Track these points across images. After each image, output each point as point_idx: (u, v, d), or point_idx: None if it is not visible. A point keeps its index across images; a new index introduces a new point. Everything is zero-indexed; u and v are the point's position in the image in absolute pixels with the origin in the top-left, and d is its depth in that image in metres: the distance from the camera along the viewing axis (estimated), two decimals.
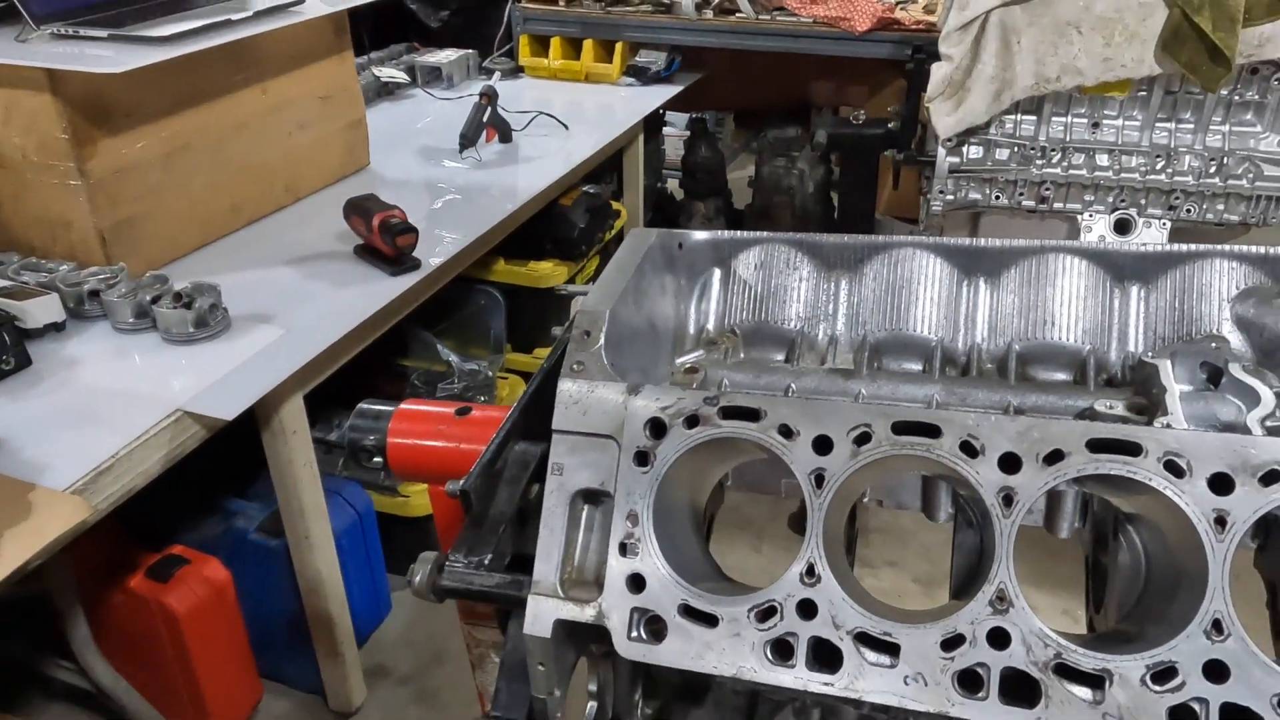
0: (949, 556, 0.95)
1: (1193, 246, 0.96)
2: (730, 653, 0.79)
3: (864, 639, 0.77)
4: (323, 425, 2.37)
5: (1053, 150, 2.56)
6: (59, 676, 2.18)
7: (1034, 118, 2.57)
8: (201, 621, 2.09)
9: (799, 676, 0.77)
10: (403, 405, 1.19)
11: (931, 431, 0.78)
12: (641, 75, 3.54)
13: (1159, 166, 2.52)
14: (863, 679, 0.76)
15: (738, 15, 3.41)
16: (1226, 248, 0.95)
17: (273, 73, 2.33)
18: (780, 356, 1.08)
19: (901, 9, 3.31)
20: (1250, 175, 2.48)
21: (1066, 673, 0.72)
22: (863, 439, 0.79)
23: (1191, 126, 2.51)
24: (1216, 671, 0.69)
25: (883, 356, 1.05)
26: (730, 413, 0.83)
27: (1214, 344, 0.92)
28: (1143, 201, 2.58)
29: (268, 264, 2.19)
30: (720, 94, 4.27)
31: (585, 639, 0.88)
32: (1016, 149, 2.58)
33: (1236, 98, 2.45)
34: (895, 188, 2.92)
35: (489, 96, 2.85)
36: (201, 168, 2.20)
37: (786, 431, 0.81)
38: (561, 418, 0.88)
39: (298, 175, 2.50)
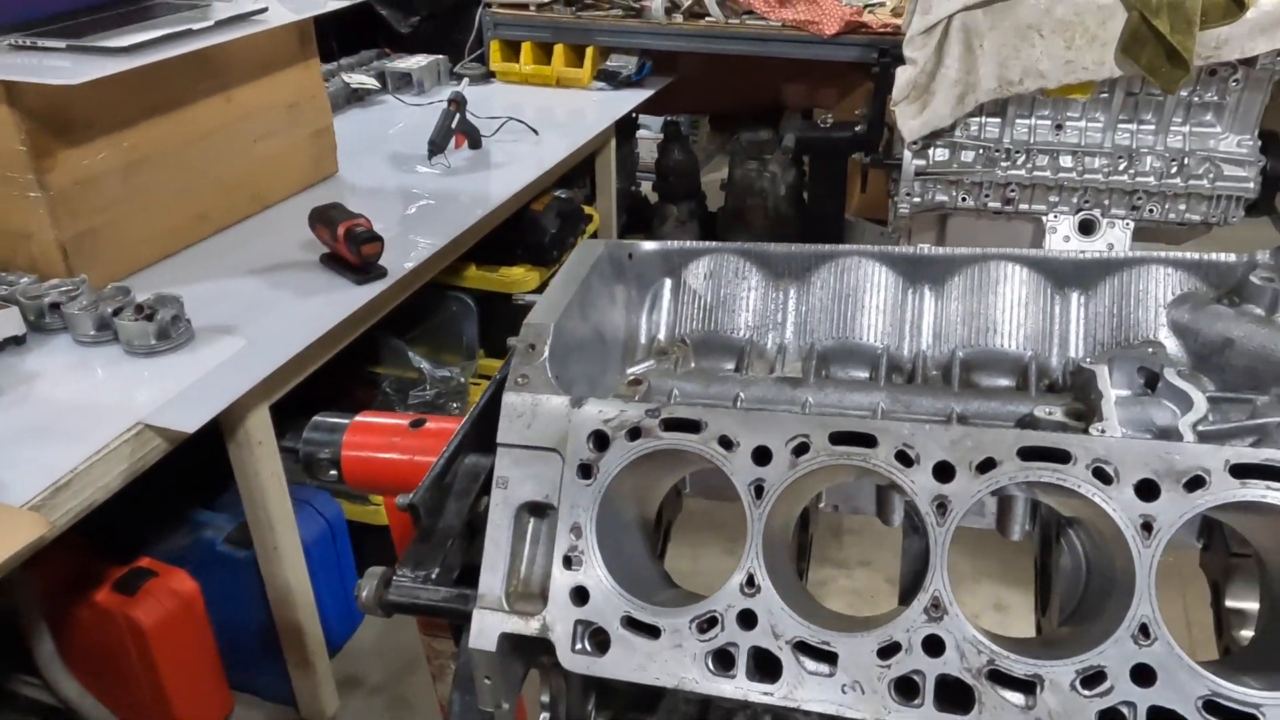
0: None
1: (1130, 253, 0.98)
2: (672, 663, 0.80)
3: (803, 648, 0.78)
4: (292, 435, 2.34)
5: (1017, 152, 2.59)
6: (25, 693, 2.17)
7: (998, 120, 2.60)
8: (169, 634, 2.08)
9: (739, 686, 0.78)
10: (357, 418, 1.19)
11: (868, 441, 0.79)
12: (613, 79, 3.55)
13: (1121, 167, 2.55)
14: (802, 688, 0.77)
15: (707, 19, 3.43)
16: (1163, 254, 0.97)
17: (237, 82, 2.32)
18: (730, 365, 1.09)
19: (869, 12, 3.33)
20: (1211, 175, 2.51)
21: (999, 678, 0.73)
22: (801, 449, 0.80)
23: (1153, 128, 2.54)
24: (1144, 675, 0.70)
25: (830, 365, 1.06)
26: (672, 424, 0.84)
27: (1150, 349, 0.93)
28: (1106, 202, 2.61)
29: (233, 274, 2.18)
30: (693, 97, 4.29)
31: (533, 651, 0.89)
32: (981, 151, 2.61)
33: (1196, 99, 2.48)
34: (863, 190, 2.95)
35: (458, 103, 2.85)
36: (165, 178, 2.18)
37: (726, 443, 0.82)
38: (506, 431, 0.88)
39: (264, 184, 2.49)
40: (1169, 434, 0.88)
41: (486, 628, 0.85)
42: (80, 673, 2.14)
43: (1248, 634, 0.94)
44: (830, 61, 3.37)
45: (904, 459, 0.78)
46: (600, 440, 0.85)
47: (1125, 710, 0.70)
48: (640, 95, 3.54)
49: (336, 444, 1.16)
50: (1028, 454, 0.75)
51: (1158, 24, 2.29)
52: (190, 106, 2.21)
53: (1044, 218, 2.65)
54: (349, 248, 2.08)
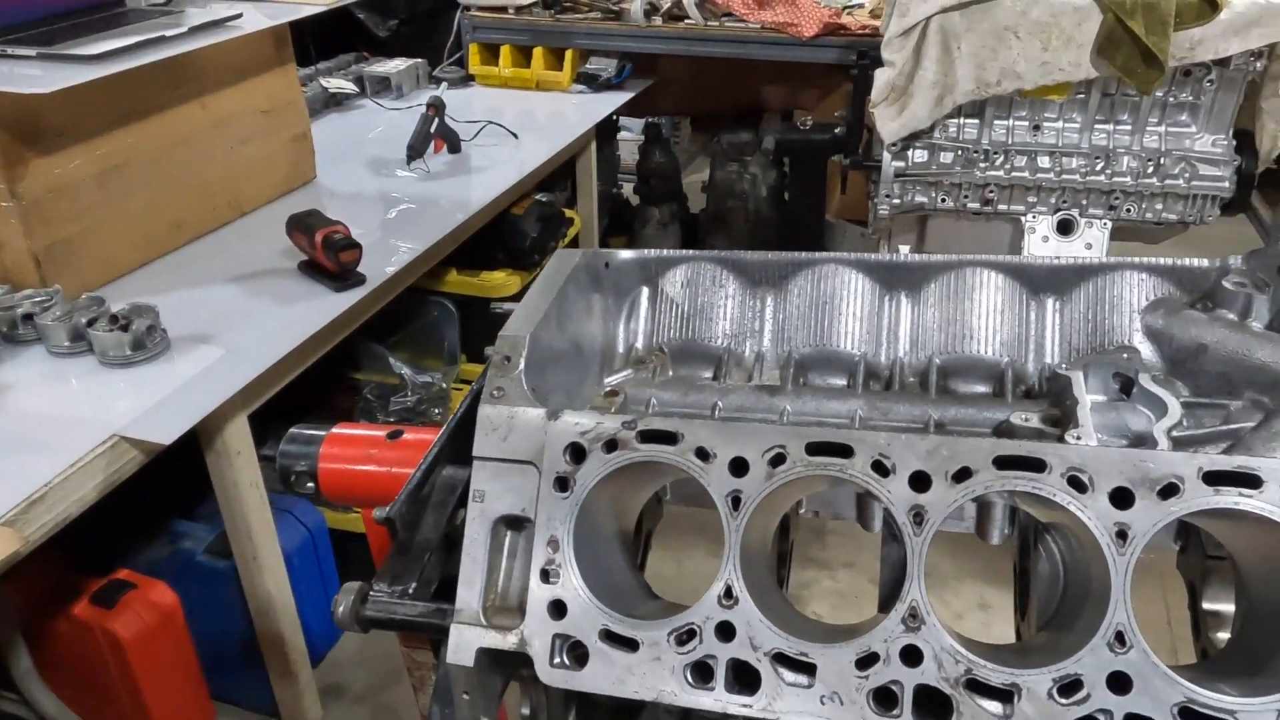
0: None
1: (1104, 259, 0.98)
2: (650, 676, 0.80)
3: (781, 659, 0.77)
4: (271, 443, 2.34)
5: (995, 153, 2.60)
6: (2, 708, 2.14)
7: (976, 121, 2.61)
8: (149, 647, 2.06)
9: (718, 699, 0.78)
10: (334, 429, 1.18)
11: (844, 451, 0.79)
12: (592, 82, 3.54)
13: (1098, 167, 2.56)
14: (780, 699, 0.77)
15: (686, 22, 3.43)
16: (1137, 260, 0.97)
17: (212, 88, 2.30)
18: (708, 374, 1.08)
19: (848, 14, 3.34)
20: (1186, 175, 2.53)
21: (977, 687, 0.73)
22: (778, 460, 0.80)
23: (1129, 128, 2.55)
24: (1120, 683, 0.70)
25: (808, 372, 1.06)
26: (648, 436, 0.84)
27: (1125, 355, 0.94)
28: (1084, 202, 2.62)
29: (210, 282, 2.16)
30: (674, 99, 4.28)
31: (512, 665, 0.88)
32: (960, 152, 2.62)
33: (1171, 99, 2.50)
34: (843, 192, 2.95)
35: (436, 107, 2.83)
36: (140, 186, 2.16)
37: (703, 454, 0.82)
38: (482, 444, 0.88)
39: (241, 191, 2.47)
40: (1144, 439, 0.88)
41: (464, 643, 0.84)
42: (59, 687, 2.12)
43: (1224, 636, 0.94)
44: (810, 63, 3.37)
45: (880, 469, 0.78)
46: (577, 453, 0.85)
47: (1101, 718, 0.71)
48: (620, 98, 3.54)
49: (313, 456, 1.15)
50: (1003, 463, 0.76)
51: (1133, 25, 2.31)
52: (165, 113, 2.19)
53: (1023, 218, 2.67)
54: (327, 255, 2.06)
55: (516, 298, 1.47)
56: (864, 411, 0.98)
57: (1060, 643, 0.78)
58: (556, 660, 0.82)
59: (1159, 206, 2.59)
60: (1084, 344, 0.98)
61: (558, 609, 0.83)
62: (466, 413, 0.99)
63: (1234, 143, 2.51)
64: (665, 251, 1.10)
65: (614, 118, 3.88)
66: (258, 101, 2.46)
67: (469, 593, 0.86)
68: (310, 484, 1.17)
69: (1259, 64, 2.39)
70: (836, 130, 2.85)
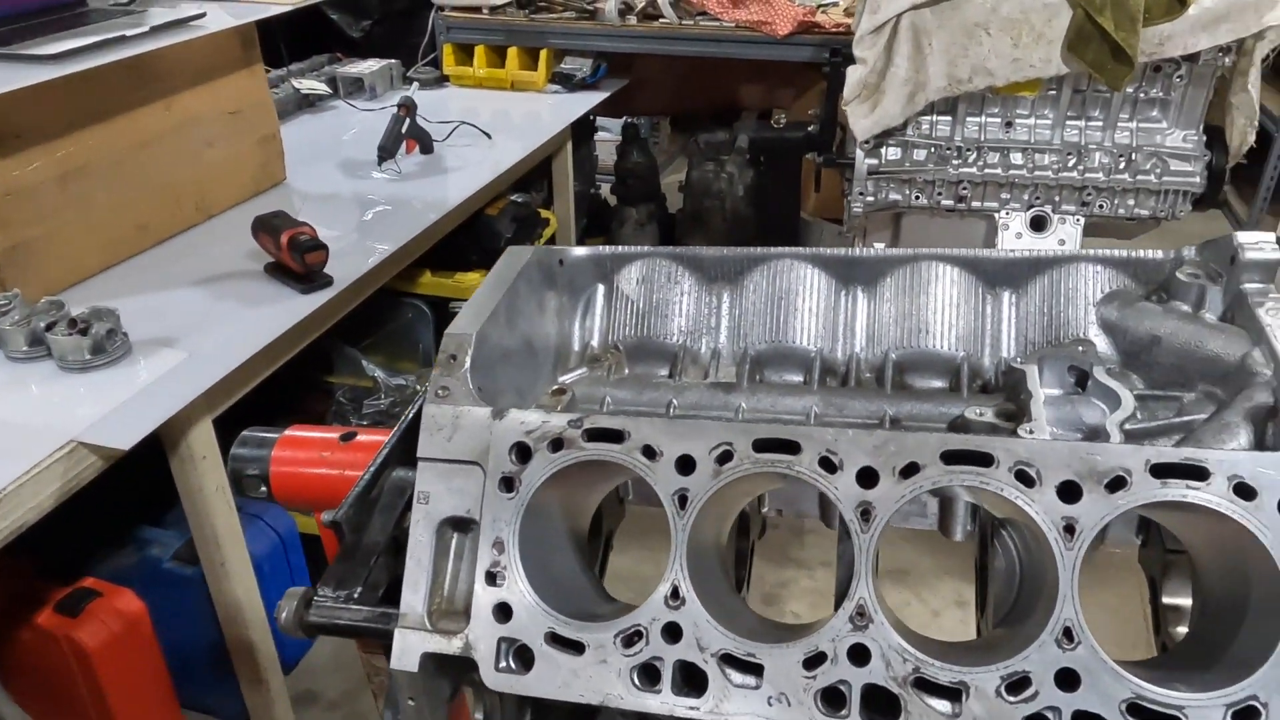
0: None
1: (1059, 252, 0.97)
2: (597, 679, 0.78)
3: (729, 660, 0.76)
4: None
5: (968, 150, 2.60)
6: None
7: (949, 118, 2.61)
8: (115, 655, 2.03)
9: (665, 701, 0.76)
10: (287, 431, 1.16)
11: (791, 448, 0.78)
12: (567, 82, 3.52)
13: (1071, 164, 2.57)
14: (728, 701, 0.75)
15: (661, 21, 3.42)
16: (1092, 252, 0.97)
17: (176, 89, 2.27)
18: (664, 372, 1.07)
19: (822, 12, 3.34)
20: (1158, 170, 2.54)
21: (925, 686, 0.72)
22: (725, 457, 0.79)
23: (1100, 124, 2.56)
24: (1068, 680, 0.69)
25: (764, 369, 1.05)
26: (595, 435, 0.82)
27: (1081, 348, 0.93)
28: (1057, 198, 2.62)
29: (174, 285, 2.13)
30: (652, 99, 4.28)
31: (459, 670, 0.86)
32: (933, 149, 2.61)
33: (1142, 95, 2.50)
34: (817, 190, 2.94)
35: (407, 107, 2.81)
36: (102, 188, 2.13)
37: (650, 452, 0.80)
38: (427, 444, 0.86)
39: (208, 193, 2.44)
40: (1098, 433, 0.87)
41: (408, 648, 0.83)
42: (23, 697, 2.09)
43: (1184, 630, 0.94)
44: (785, 62, 3.37)
45: (828, 465, 0.76)
46: (523, 452, 0.83)
47: (1050, 715, 0.69)
48: (595, 97, 3.52)
49: (265, 459, 1.13)
50: (951, 458, 0.74)
51: (1102, 21, 2.31)
52: (128, 114, 2.16)
53: (996, 215, 2.67)
54: (293, 256, 2.04)
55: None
56: (819, 408, 0.97)
57: (1012, 639, 0.77)
58: (502, 664, 0.81)
59: (1131, 202, 2.59)
60: (1040, 337, 0.97)
61: (503, 612, 0.81)
62: (417, 414, 0.98)
63: (1204, 138, 2.52)
64: (620, 248, 1.08)
65: (591, 118, 3.86)
66: (224, 102, 2.43)
67: (414, 596, 0.84)
68: (263, 487, 1.14)
69: (1228, 59, 2.39)
70: (810, 128, 2.84)
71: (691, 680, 0.77)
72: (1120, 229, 2.74)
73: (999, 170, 2.59)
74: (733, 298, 1.06)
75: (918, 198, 2.68)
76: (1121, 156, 2.53)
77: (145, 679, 2.14)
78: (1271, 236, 0.86)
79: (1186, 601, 0.94)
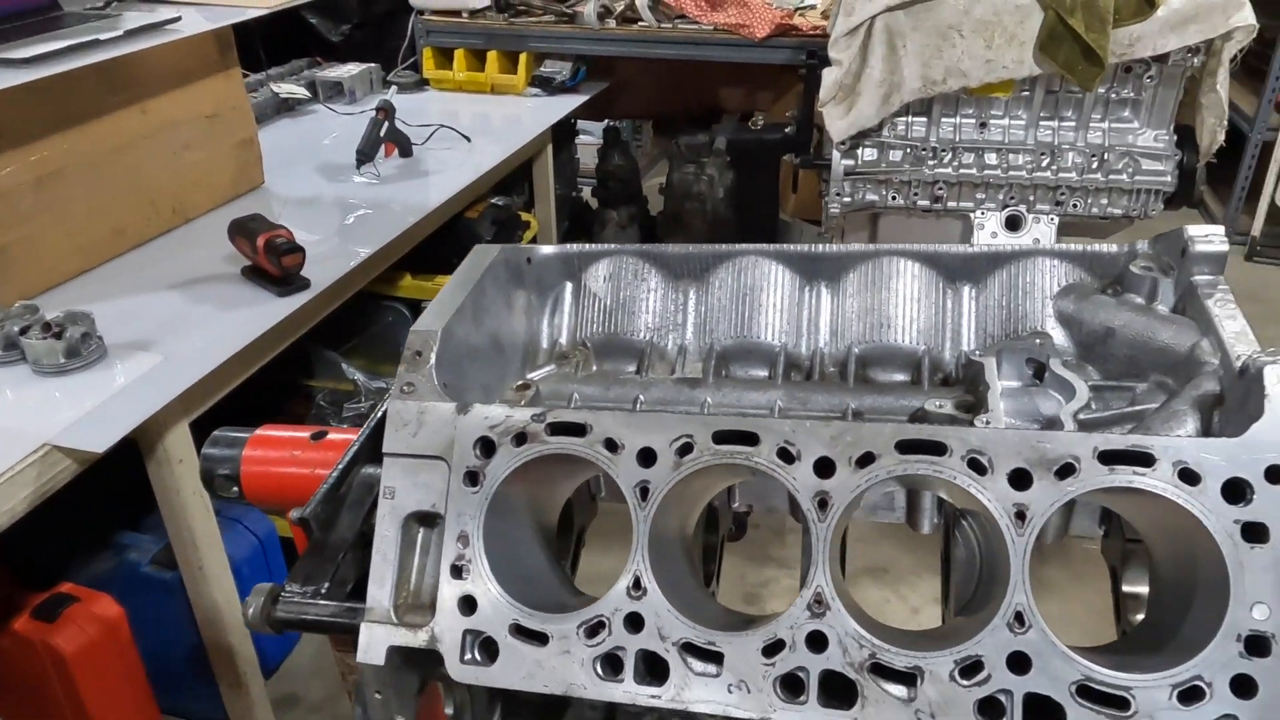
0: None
1: (1018, 246, 0.99)
2: (560, 670, 0.79)
3: (690, 649, 0.77)
4: None
5: (943, 150, 2.62)
6: None
7: (924, 119, 2.63)
8: (93, 661, 2.02)
9: (627, 690, 0.77)
10: (258, 431, 1.16)
11: (750, 439, 0.79)
12: (547, 85, 3.53)
13: (1044, 164, 2.59)
14: (689, 689, 0.76)
15: (640, 24, 3.43)
16: (1049, 246, 0.98)
17: (152, 92, 2.27)
18: (632, 368, 1.08)
19: (800, 15, 3.36)
20: (1130, 170, 2.57)
21: (881, 671, 0.73)
22: (685, 449, 0.80)
23: (1073, 124, 2.59)
24: (1019, 663, 0.71)
25: (730, 364, 1.06)
26: (558, 428, 0.83)
27: (1038, 340, 0.94)
28: (1031, 198, 2.65)
29: (151, 289, 2.13)
30: (633, 102, 4.29)
31: (426, 663, 0.87)
32: (909, 150, 2.64)
33: (1114, 95, 2.54)
34: (795, 191, 2.96)
35: (386, 111, 2.81)
36: (78, 192, 2.13)
37: (612, 445, 0.81)
38: (392, 440, 0.87)
39: (185, 197, 2.44)
40: (1054, 423, 0.89)
41: (375, 641, 0.84)
42: (0, 704, 2.07)
43: (1141, 617, 0.95)
44: (764, 65, 3.39)
45: (786, 456, 0.78)
46: (487, 446, 0.84)
47: (1002, 698, 0.71)
48: (575, 100, 3.53)
49: (236, 458, 1.13)
50: (905, 447, 0.76)
51: (1073, 23, 2.34)
52: (103, 118, 2.15)
53: (972, 214, 2.69)
54: (269, 259, 2.04)
55: None
56: (784, 402, 0.98)
57: (968, 626, 0.78)
58: (467, 656, 0.82)
59: (1104, 201, 2.62)
60: (999, 330, 0.99)
61: (468, 605, 0.82)
62: (385, 412, 0.98)
63: (1175, 138, 2.55)
64: (587, 246, 1.09)
65: (572, 121, 3.87)
66: (201, 106, 2.43)
67: (379, 591, 0.85)
68: (234, 487, 1.15)
69: (1197, 60, 2.43)
70: (787, 130, 2.87)
71: (654, 669, 0.78)
72: (1094, 228, 2.77)
73: (974, 170, 2.62)
74: (699, 294, 1.08)
75: (894, 198, 2.70)
76: (1094, 156, 2.56)
77: (124, 685, 2.13)
78: (1220, 230, 0.88)
79: (1145, 589, 0.95)
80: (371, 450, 0.99)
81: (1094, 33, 2.34)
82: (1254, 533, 0.68)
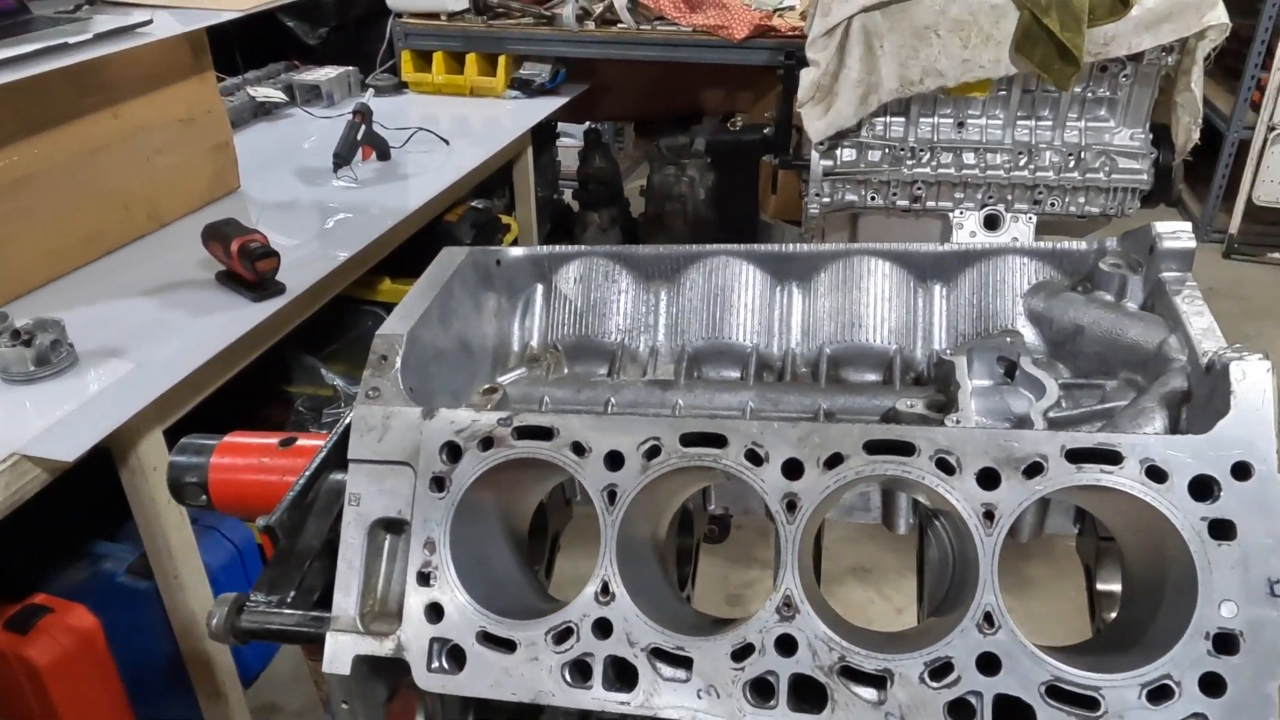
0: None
1: (988, 244, 0.99)
2: (529, 677, 0.78)
3: (659, 654, 0.76)
4: None
5: (922, 150, 2.62)
6: None
7: (902, 119, 2.63)
8: (67, 673, 1.99)
9: (596, 697, 0.76)
10: (226, 438, 1.15)
11: (718, 441, 0.78)
12: (526, 88, 3.52)
13: (1022, 163, 2.60)
14: (658, 695, 0.76)
15: (619, 26, 3.42)
16: (1018, 245, 0.98)
17: (124, 96, 2.24)
18: (604, 370, 1.07)
19: (779, 16, 3.36)
20: (1107, 168, 2.58)
21: (851, 674, 0.73)
22: (652, 452, 0.79)
23: (1050, 123, 2.60)
24: (989, 664, 0.70)
25: (702, 365, 1.05)
26: (525, 432, 0.82)
27: (1009, 339, 0.94)
28: (1009, 197, 2.66)
29: (123, 295, 2.10)
30: (614, 104, 4.28)
31: (394, 672, 0.86)
32: (887, 150, 2.64)
33: (1090, 95, 2.55)
34: (774, 191, 2.96)
35: (363, 114, 2.80)
36: (48, 198, 2.10)
37: (579, 449, 0.80)
38: (357, 445, 0.86)
39: (160, 202, 2.42)
40: (1025, 421, 0.89)
41: (340, 650, 0.82)
42: None
43: (1115, 615, 0.95)
44: (744, 66, 3.39)
45: (753, 457, 0.77)
46: (453, 451, 0.83)
47: (972, 700, 0.70)
48: (555, 103, 3.52)
49: (204, 466, 1.12)
50: (873, 448, 0.75)
51: (1048, 23, 2.35)
52: (74, 123, 2.13)
53: (951, 214, 2.70)
54: (244, 264, 2.02)
55: None
56: (755, 403, 0.98)
57: (938, 627, 0.77)
58: (435, 665, 0.81)
59: (1081, 200, 2.63)
60: (970, 329, 0.99)
61: (435, 612, 0.81)
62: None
63: (1151, 136, 2.56)
64: (558, 248, 1.08)
65: (552, 123, 3.86)
66: (175, 110, 2.41)
67: (345, 599, 0.83)
68: (202, 496, 1.13)
69: (1171, 59, 2.44)
70: (766, 131, 2.86)
71: (623, 675, 0.77)
72: (1072, 227, 2.78)
73: (952, 170, 2.62)
74: (670, 295, 1.07)
75: (873, 198, 2.70)
76: (1071, 155, 2.57)
77: (100, 696, 2.10)
78: (1188, 226, 0.88)
79: (1117, 587, 0.95)
80: (339, 457, 0.98)
81: (1069, 32, 2.35)
82: (1221, 530, 0.68)
